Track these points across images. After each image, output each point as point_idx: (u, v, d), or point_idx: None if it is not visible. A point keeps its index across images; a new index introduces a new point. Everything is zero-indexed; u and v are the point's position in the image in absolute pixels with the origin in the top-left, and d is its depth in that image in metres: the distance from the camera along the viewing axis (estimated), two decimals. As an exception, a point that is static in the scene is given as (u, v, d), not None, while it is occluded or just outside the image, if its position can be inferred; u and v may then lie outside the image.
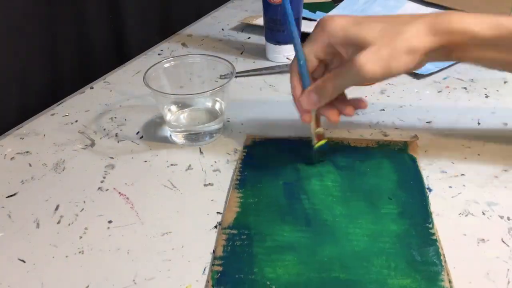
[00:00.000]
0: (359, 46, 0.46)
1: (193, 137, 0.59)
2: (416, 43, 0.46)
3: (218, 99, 0.60)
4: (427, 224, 0.46)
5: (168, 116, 0.59)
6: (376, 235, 0.45)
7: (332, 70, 0.49)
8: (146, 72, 0.58)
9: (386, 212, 0.47)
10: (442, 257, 0.43)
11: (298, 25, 0.74)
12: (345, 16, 0.49)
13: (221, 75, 0.60)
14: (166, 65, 0.60)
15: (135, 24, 0.82)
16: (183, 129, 0.60)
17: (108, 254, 0.45)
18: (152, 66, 0.59)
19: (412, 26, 0.46)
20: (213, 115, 0.60)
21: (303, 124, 0.53)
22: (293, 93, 0.52)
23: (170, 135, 0.60)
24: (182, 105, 0.61)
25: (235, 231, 0.46)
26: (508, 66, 0.50)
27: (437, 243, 0.44)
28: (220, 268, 0.43)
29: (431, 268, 0.42)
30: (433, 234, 0.45)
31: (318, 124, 0.53)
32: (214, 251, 0.45)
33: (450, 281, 0.41)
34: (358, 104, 0.52)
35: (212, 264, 0.43)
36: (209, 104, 0.61)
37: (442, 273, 0.41)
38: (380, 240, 0.44)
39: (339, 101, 0.52)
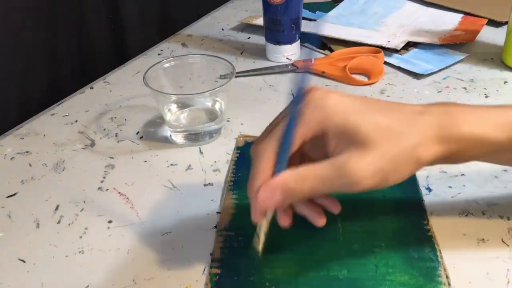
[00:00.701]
0: (355, 143, 0.37)
1: (193, 137, 0.59)
2: (424, 154, 0.38)
3: (218, 99, 0.60)
4: (422, 221, 0.46)
5: (168, 116, 0.59)
6: (372, 232, 0.45)
7: (310, 165, 0.37)
8: (146, 72, 0.58)
9: (382, 210, 0.48)
10: (438, 253, 0.43)
11: (298, 26, 0.74)
12: (340, 95, 0.39)
13: (221, 75, 0.60)
14: (166, 65, 0.60)
15: (135, 24, 0.82)
16: (183, 129, 0.60)
17: (108, 254, 0.45)
18: (152, 66, 0.59)
19: (420, 130, 0.38)
20: (213, 115, 0.60)
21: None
22: (254, 179, 0.38)
23: (170, 135, 0.60)
24: (182, 105, 0.61)
25: (232, 233, 0.46)
26: None
27: (433, 240, 0.44)
28: (218, 271, 0.43)
29: (428, 264, 0.42)
30: (429, 230, 0.45)
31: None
32: (212, 254, 0.45)
33: (447, 277, 0.41)
34: (331, 205, 0.43)
35: (210, 267, 0.43)
36: (209, 104, 0.61)
37: (439, 268, 0.42)
38: (376, 237, 0.45)
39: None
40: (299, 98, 0.38)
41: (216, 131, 0.60)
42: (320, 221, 0.42)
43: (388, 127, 0.37)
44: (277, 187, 0.37)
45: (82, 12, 0.74)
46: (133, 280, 0.43)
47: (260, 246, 0.41)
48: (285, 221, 0.40)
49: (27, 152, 0.59)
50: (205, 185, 0.53)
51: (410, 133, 0.38)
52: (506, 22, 0.72)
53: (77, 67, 0.75)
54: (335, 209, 0.43)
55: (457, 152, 0.39)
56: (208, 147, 0.58)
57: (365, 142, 0.37)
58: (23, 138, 0.61)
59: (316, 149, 0.40)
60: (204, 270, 0.43)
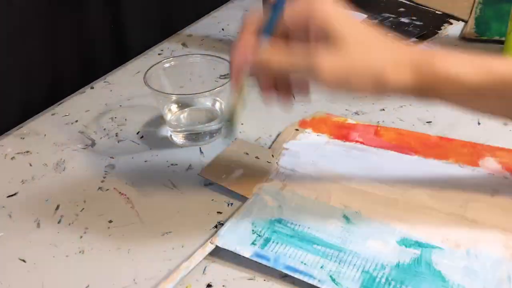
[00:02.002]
0: (330, 40, 0.39)
1: (193, 137, 0.59)
2: (392, 75, 0.40)
3: (218, 99, 0.60)
4: None
5: (168, 116, 0.59)
6: None
7: (289, 49, 0.41)
8: (146, 72, 0.58)
9: None
10: None
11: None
12: (339, 6, 0.41)
13: (221, 75, 0.60)
14: (166, 65, 0.60)
15: (135, 24, 0.82)
16: (183, 129, 0.60)
17: (108, 254, 0.45)
18: (153, 66, 0.59)
19: (396, 53, 0.41)
20: (213, 115, 0.60)
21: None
22: (240, 35, 0.42)
23: (170, 135, 0.60)
24: (182, 105, 0.61)
25: None
26: (492, 112, 0.45)
27: None
28: None
29: None
30: None
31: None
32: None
33: None
34: (301, 87, 0.45)
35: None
36: (209, 104, 0.61)
37: None
38: None
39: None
40: None
41: (216, 131, 0.60)
42: (287, 98, 0.45)
43: (367, 38, 0.40)
44: (251, 48, 0.41)
45: (82, 12, 0.74)
46: (133, 280, 0.43)
47: (234, 118, 0.44)
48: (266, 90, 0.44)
49: (28, 152, 0.59)
50: (205, 185, 0.53)
51: (385, 50, 0.40)
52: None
53: (77, 67, 0.75)
54: (305, 92, 0.45)
55: (430, 87, 0.41)
56: (209, 147, 0.58)
57: (339, 42, 0.39)
58: (23, 138, 0.61)
59: (299, 37, 0.42)
60: (204, 270, 0.43)
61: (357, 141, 0.57)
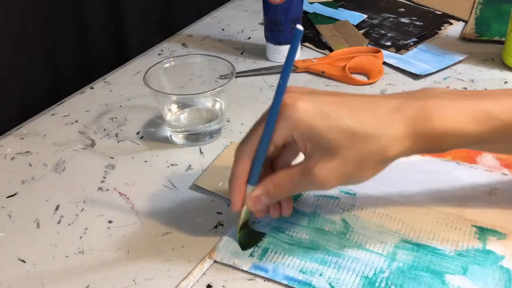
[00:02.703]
0: (321, 149, 0.39)
1: (193, 137, 0.59)
2: (393, 151, 0.39)
3: (218, 99, 0.60)
4: None
5: (168, 116, 0.59)
6: None
7: (285, 171, 0.42)
8: (146, 72, 0.58)
9: None
10: None
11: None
12: (311, 103, 0.40)
13: (221, 75, 0.60)
14: (166, 65, 0.60)
15: (135, 24, 0.82)
16: (183, 129, 0.60)
17: (108, 254, 0.45)
18: (152, 66, 0.59)
19: (390, 130, 0.39)
20: (213, 115, 0.60)
21: None
22: (233, 180, 0.43)
23: (170, 135, 0.60)
24: (182, 105, 0.61)
25: None
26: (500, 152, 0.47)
27: None
28: None
29: None
30: None
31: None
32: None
33: None
34: (285, 209, 0.46)
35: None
36: (209, 104, 0.61)
37: None
38: None
39: None
40: (276, 102, 0.40)
41: (216, 131, 0.60)
42: (275, 214, 0.46)
43: (354, 132, 0.39)
44: (261, 195, 0.42)
45: (82, 12, 0.74)
46: (133, 280, 0.43)
47: (238, 234, 0.45)
48: (286, 211, 0.45)
49: (27, 152, 0.59)
50: (205, 185, 0.53)
51: (378, 135, 0.39)
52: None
53: (77, 67, 0.75)
54: (286, 212, 0.46)
55: (433, 146, 0.41)
56: (209, 147, 0.58)
57: (329, 148, 0.39)
58: (23, 138, 0.61)
59: (291, 154, 0.45)
60: (205, 269, 0.43)
61: None
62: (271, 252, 0.44)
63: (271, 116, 0.40)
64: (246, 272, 0.43)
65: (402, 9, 0.89)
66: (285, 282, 0.42)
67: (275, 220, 0.47)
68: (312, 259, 0.44)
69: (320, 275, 0.42)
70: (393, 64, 0.73)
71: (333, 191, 0.50)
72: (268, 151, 0.41)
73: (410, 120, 0.39)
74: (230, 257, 0.44)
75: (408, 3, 0.91)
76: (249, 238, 0.46)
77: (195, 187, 0.52)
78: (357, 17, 0.87)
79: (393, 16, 0.87)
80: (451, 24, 0.84)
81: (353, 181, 0.41)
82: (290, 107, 0.40)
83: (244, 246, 0.45)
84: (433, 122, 0.39)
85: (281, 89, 0.40)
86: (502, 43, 0.73)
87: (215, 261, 0.44)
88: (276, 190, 0.42)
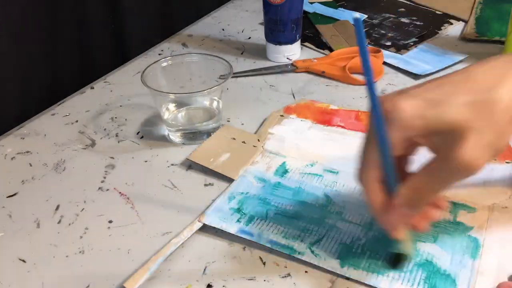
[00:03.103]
0: (448, 137, 0.35)
1: (191, 136, 0.59)
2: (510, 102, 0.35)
3: (215, 98, 0.60)
4: None
5: (166, 115, 0.59)
6: None
7: (422, 171, 0.37)
8: (144, 71, 0.58)
9: None
10: None
11: (299, 26, 0.74)
12: (412, 97, 0.36)
13: (221, 75, 0.60)
14: (164, 64, 0.60)
15: (135, 24, 0.82)
16: (180, 128, 0.60)
17: (108, 254, 0.45)
18: (150, 65, 0.59)
19: (503, 87, 0.35)
20: (210, 114, 0.60)
21: None
22: (372, 200, 0.39)
23: (168, 134, 0.60)
24: (179, 104, 0.61)
25: None
26: None
27: None
28: None
29: None
30: None
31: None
32: None
33: None
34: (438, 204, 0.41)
35: None
36: (206, 103, 0.61)
37: None
38: None
39: None
40: (376, 115, 0.37)
41: (214, 130, 0.60)
42: (424, 226, 0.41)
43: (470, 101, 0.35)
44: (401, 205, 0.38)
45: (82, 12, 0.74)
46: (133, 280, 0.43)
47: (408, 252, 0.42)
48: (422, 224, 0.40)
49: (28, 152, 0.59)
50: (205, 185, 0.53)
51: (496, 94, 0.35)
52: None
53: (77, 67, 0.75)
54: (442, 205, 0.41)
55: None
56: (208, 147, 0.58)
57: (458, 128, 0.35)
58: (23, 138, 0.61)
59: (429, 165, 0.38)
60: (205, 270, 0.43)
61: (338, 126, 0.60)
62: (257, 219, 0.47)
63: (379, 127, 0.37)
64: (246, 271, 0.43)
65: (402, 9, 0.89)
66: (269, 246, 0.45)
67: (263, 193, 0.50)
68: (295, 227, 0.46)
69: (302, 240, 0.45)
70: (393, 64, 0.73)
71: (318, 169, 0.53)
72: (392, 161, 0.38)
73: None
74: (218, 221, 0.47)
75: (408, 3, 0.91)
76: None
77: (196, 185, 0.52)
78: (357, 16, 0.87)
79: (393, 16, 0.87)
80: (451, 24, 0.84)
81: (501, 149, 0.36)
82: (393, 110, 0.36)
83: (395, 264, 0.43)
84: None
85: (374, 97, 0.36)
86: (502, 43, 0.73)
87: (216, 259, 0.44)
88: (417, 192, 0.37)
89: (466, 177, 0.36)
